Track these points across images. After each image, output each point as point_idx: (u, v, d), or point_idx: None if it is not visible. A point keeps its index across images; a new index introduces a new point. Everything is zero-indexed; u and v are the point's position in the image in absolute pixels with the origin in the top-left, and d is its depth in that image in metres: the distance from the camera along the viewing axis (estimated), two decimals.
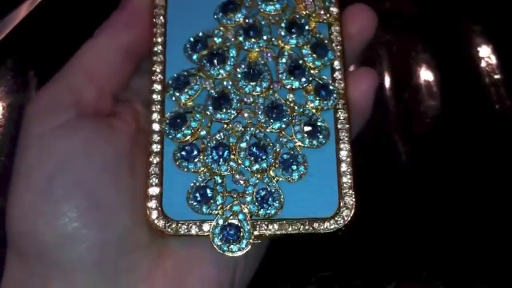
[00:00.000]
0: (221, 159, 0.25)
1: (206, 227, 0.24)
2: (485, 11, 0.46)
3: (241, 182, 0.25)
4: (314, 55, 0.26)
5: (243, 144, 0.25)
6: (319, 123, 0.25)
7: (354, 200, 0.25)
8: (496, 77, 0.44)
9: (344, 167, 0.25)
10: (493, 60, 0.45)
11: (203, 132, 0.25)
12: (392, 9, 0.47)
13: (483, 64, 0.45)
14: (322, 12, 0.27)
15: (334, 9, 0.27)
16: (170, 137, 0.25)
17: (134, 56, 0.27)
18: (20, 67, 0.44)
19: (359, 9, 0.28)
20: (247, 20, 0.27)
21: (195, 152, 0.25)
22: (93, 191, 0.24)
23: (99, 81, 0.26)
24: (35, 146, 0.24)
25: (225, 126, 0.25)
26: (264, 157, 0.25)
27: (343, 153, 0.25)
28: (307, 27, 0.26)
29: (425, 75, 0.45)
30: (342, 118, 0.26)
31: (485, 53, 0.45)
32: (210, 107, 0.25)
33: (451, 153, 0.43)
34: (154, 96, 0.26)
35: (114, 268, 0.24)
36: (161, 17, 0.27)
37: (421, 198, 0.42)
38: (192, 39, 0.26)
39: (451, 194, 0.42)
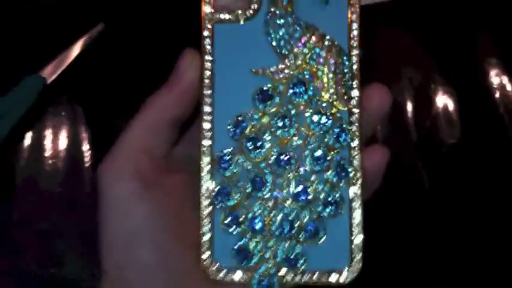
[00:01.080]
0: (257, 229, 0.31)
1: (246, 276, 0.31)
2: (501, 41, 0.50)
3: (273, 246, 0.31)
4: (334, 139, 0.31)
5: (274, 218, 0.31)
6: (337, 198, 0.31)
7: (361, 256, 0.31)
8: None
9: (355, 231, 0.31)
10: (509, 89, 0.48)
11: (245, 203, 0.31)
12: (412, 42, 0.50)
13: (498, 95, 0.48)
14: (344, 98, 0.31)
15: (355, 94, 0.31)
16: (218, 206, 0.31)
17: (179, 125, 0.32)
18: (70, 104, 0.49)
19: (376, 88, 0.32)
20: (280, 110, 0.31)
21: (237, 221, 0.31)
22: (161, 245, 0.30)
23: (153, 151, 0.31)
24: (116, 210, 0.31)
25: (260, 202, 0.31)
26: (291, 228, 0.31)
27: (355, 221, 0.31)
28: (328, 115, 0.31)
29: (445, 104, 0.48)
30: (355, 191, 0.31)
31: (501, 84, 0.49)
32: (249, 186, 0.31)
33: (471, 179, 0.46)
34: (204, 169, 0.31)
35: None
36: (208, 92, 0.32)
37: (440, 224, 0.45)
38: (233, 121, 0.31)
39: (470, 222, 0.45)
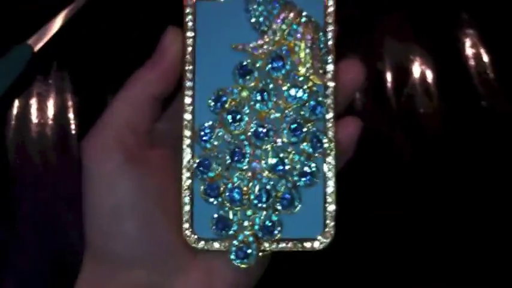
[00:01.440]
0: (236, 199, 0.32)
1: (225, 245, 0.32)
2: (479, 13, 0.50)
3: (251, 215, 0.33)
4: (310, 112, 0.33)
5: (253, 188, 0.32)
6: (312, 168, 0.32)
7: (334, 224, 0.32)
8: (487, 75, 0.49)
9: (329, 200, 0.32)
10: (485, 59, 0.49)
11: (224, 174, 0.33)
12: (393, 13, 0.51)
13: (473, 65, 0.50)
14: (320, 72, 0.33)
15: (330, 68, 0.33)
16: (199, 177, 0.32)
17: (161, 101, 0.33)
18: (57, 72, 0.49)
19: (351, 62, 0.33)
20: (259, 84, 0.33)
21: (217, 191, 0.32)
22: (145, 217, 0.32)
23: (136, 126, 0.32)
24: (99, 184, 0.32)
25: (239, 172, 0.32)
26: (268, 198, 0.32)
27: (329, 190, 0.32)
28: (305, 89, 0.33)
29: (423, 73, 0.49)
30: (329, 161, 0.32)
31: (477, 54, 0.50)
32: (229, 157, 0.32)
33: (448, 150, 0.48)
34: (185, 142, 0.33)
35: (163, 267, 0.32)
36: (190, 68, 0.33)
37: (418, 195, 0.47)
38: (214, 95, 0.33)
39: (447, 191, 0.47)
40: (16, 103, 0.49)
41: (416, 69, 0.49)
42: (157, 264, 0.32)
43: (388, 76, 0.49)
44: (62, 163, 0.47)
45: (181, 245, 0.32)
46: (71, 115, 0.49)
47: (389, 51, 0.50)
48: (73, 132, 0.48)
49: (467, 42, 0.50)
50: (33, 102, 0.49)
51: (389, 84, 0.49)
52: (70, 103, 0.49)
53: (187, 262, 0.33)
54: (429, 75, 0.49)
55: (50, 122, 0.48)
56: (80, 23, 0.50)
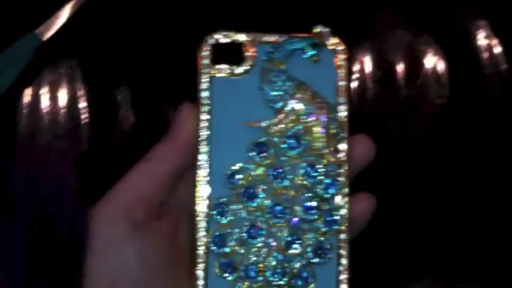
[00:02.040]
0: (251, 276, 0.33)
1: None
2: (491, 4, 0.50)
3: None
4: (325, 190, 0.33)
5: (269, 265, 0.33)
6: (326, 246, 0.33)
7: None
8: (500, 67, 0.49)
9: (341, 277, 0.33)
10: (498, 51, 0.49)
11: (241, 251, 0.33)
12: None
13: (487, 55, 0.50)
14: (333, 151, 0.33)
15: (344, 147, 0.33)
16: (214, 252, 0.33)
17: (178, 176, 0.33)
18: (68, 61, 0.49)
19: (361, 139, 0.34)
20: (274, 161, 0.33)
21: (232, 267, 0.33)
22: (145, 285, 0.31)
23: (148, 199, 0.32)
24: (102, 253, 0.32)
25: (255, 249, 0.33)
26: (284, 275, 0.33)
27: (342, 267, 0.33)
28: (320, 167, 0.33)
29: (434, 64, 0.49)
30: (343, 238, 0.33)
31: (490, 45, 0.50)
32: (245, 234, 0.33)
33: (459, 142, 0.48)
34: (200, 217, 0.33)
35: None
36: (205, 143, 0.33)
37: (428, 185, 0.47)
38: (229, 171, 0.33)
39: (458, 181, 0.47)
40: (28, 91, 0.48)
41: (428, 60, 0.49)
42: None
43: (400, 67, 0.49)
44: (73, 152, 0.47)
45: None
46: (82, 104, 0.48)
47: (401, 42, 0.49)
48: (83, 122, 0.48)
49: (479, 34, 0.50)
50: (45, 91, 0.48)
51: (400, 75, 0.49)
52: (81, 92, 0.48)
53: None
54: (441, 67, 0.49)
55: (62, 110, 0.48)
56: (89, 12, 0.49)
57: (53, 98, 0.48)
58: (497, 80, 0.49)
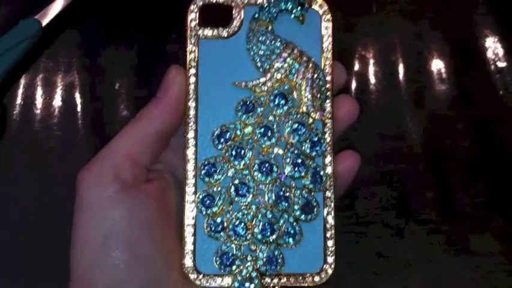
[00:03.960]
0: (240, 234, 0.33)
1: (227, 280, 0.32)
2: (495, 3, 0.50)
3: (255, 249, 0.33)
4: (311, 148, 0.33)
5: (257, 222, 0.33)
6: (313, 203, 0.33)
7: (333, 259, 0.33)
8: (501, 65, 0.49)
9: (328, 234, 0.33)
10: (499, 49, 0.49)
11: (228, 209, 0.33)
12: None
13: (489, 53, 0.49)
14: (319, 109, 0.34)
15: (328, 105, 0.34)
16: (202, 212, 0.33)
17: (166, 137, 0.34)
18: (65, 49, 0.49)
19: (345, 99, 0.35)
20: (262, 120, 0.33)
21: (221, 226, 0.33)
22: (135, 247, 0.31)
23: (136, 159, 0.32)
24: (92, 212, 0.31)
25: (243, 207, 0.33)
26: (273, 232, 0.33)
27: (328, 224, 0.33)
28: (306, 125, 0.33)
29: (437, 62, 0.49)
30: (329, 195, 0.33)
31: (492, 43, 0.49)
32: (233, 192, 0.33)
33: (462, 140, 0.47)
34: (188, 177, 0.33)
35: None
36: (193, 104, 0.33)
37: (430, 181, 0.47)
38: (217, 131, 0.33)
39: (458, 178, 0.47)
40: (23, 80, 0.48)
41: (431, 56, 0.49)
42: None
43: (402, 65, 0.49)
44: (67, 141, 0.47)
45: (176, 277, 0.32)
46: (77, 93, 0.48)
47: (404, 40, 0.49)
48: (79, 110, 0.48)
49: (484, 31, 0.49)
50: (40, 79, 0.48)
51: (402, 72, 0.48)
52: (77, 81, 0.48)
53: None
54: (444, 63, 0.49)
55: (57, 99, 0.48)
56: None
57: (48, 86, 0.48)
58: (501, 77, 0.48)
